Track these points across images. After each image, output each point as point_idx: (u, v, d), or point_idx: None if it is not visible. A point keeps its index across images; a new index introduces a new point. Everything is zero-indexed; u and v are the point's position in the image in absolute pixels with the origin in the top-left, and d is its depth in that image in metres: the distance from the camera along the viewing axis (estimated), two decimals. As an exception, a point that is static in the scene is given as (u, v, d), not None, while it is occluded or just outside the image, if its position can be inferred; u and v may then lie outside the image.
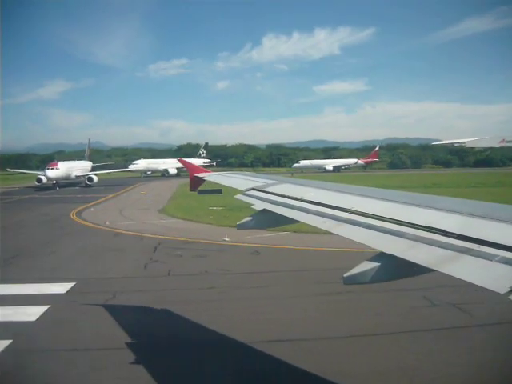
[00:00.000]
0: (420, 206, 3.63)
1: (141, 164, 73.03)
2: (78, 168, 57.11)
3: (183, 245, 17.41)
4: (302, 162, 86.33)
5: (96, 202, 34.84)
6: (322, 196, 4.58)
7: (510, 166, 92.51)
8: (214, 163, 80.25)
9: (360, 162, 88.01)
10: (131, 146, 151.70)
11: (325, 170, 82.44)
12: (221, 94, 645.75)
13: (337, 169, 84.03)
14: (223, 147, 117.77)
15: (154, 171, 76.13)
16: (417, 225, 3.19)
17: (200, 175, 8.45)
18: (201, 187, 8.80)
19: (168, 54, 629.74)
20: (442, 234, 2.94)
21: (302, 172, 74.72)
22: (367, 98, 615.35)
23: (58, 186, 49.93)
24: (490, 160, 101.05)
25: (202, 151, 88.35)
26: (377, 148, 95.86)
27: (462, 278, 2.46)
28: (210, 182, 7.93)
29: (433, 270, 2.73)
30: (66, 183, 53.36)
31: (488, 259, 2.49)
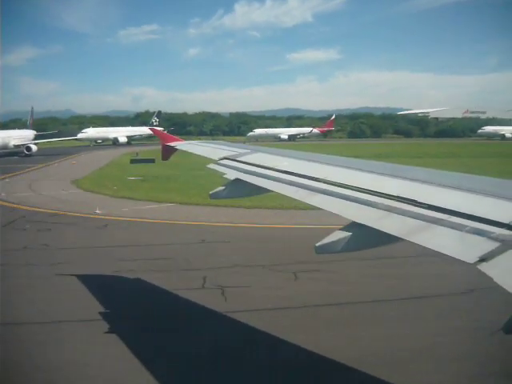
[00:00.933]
0: (393, 176, 3.68)
1: (89, 132, 69.99)
2: (16, 137, 54.06)
3: (47, 218, 16.52)
4: (257, 131, 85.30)
5: (18, 172, 32.64)
6: (296, 166, 4.59)
7: (470, 136, 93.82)
8: (166, 131, 78.20)
9: (315, 130, 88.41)
10: (102, 114, 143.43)
11: (279, 139, 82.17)
12: (192, 61, 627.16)
13: (292, 138, 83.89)
14: (182, 115, 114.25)
15: (105, 140, 72.93)
16: (389, 195, 3.23)
17: (172, 144, 8.21)
18: (173, 156, 8.59)
19: (138, 20, 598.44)
20: (413, 205, 2.98)
21: (256, 141, 74.02)
22: (340, 67, 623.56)
23: None
24: (451, 131, 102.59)
25: (155, 119, 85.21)
26: (333, 117, 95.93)
27: (432, 248, 2.50)
28: (182, 150, 7.73)
29: (403, 240, 2.78)
30: (5, 153, 50.21)
31: (458, 229, 2.52)
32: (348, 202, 3.42)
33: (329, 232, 3.17)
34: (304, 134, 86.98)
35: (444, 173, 3.84)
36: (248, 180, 4.71)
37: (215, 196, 5.10)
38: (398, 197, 3.16)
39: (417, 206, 2.96)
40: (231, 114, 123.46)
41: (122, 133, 73.22)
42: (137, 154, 43.84)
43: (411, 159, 35.23)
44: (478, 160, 35.15)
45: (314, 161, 4.86)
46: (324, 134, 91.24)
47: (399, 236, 2.80)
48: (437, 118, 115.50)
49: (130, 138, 73.49)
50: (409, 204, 3.03)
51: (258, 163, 5.11)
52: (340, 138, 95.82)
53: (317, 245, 3.10)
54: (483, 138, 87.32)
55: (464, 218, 2.61)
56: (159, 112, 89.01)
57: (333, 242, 3.10)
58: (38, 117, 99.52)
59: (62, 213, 17.49)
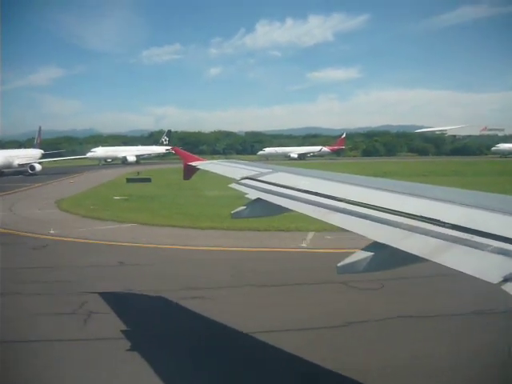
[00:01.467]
0: (414, 195, 3.69)
1: (98, 152, 70.82)
2: (22, 156, 55.04)
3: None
4: (267, 150, 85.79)
5: (11, 191, 32.51)
6: (316, 185, 4.63)
7: (486, 154, 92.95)
8: (164, 150, 79.92)
9: (325, 149, 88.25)
10: (124, 133, 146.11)
11: (289, 158, 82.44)
12: (214, 80, 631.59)
13: (302, 156, 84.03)
14: (196, 134, 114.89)
15: (114, 159, 73.65)
16: (410, 214, 3.23)
17: (193, 164, 8.28)
18: (194, 175, 8.64)
19: (161, 40, 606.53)
20: (436, 224, 2.98)
21: (266, 159, 73.94)
22: (360, 86, 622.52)
23: (1, 175, 48.41)
24: (467, 148, 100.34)
25: (165, 138, 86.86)
26: (343, 135, 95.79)
27: (455, 268, 2.48)
28: (204, 170, 7.79)
29: (426, 260, 2.76)
30: (10, 172, 50.98)
31: (481, 249, 2.52)
32: (368, 222, 3.43)
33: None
34: (314, 152, 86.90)
35: (466, 192, 3.83)
36: (269, 199, 4.75)
37: (237, 215, 5.13)
38: (419, 216, 3.16)
39: (439, 225, 2.97)
40: (247, 132, 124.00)
41: (130, 152, 74.19)
42: (138, 173, 44.08)
43: (416, 177, 35.14)
44: (482, 178, 34.72)
45: (334, 180, 4.90)
46: (336, 153, 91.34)
47: (422, 256, 2.78)
48: (454, 136, 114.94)
49: (139, 157, 74.15)
50: (431, 223, 3.03)
51: (278, 183, 5.16)
52: (354, 156, 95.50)
53: (338, 265, 3.09)
54: (497, 155, 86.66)
55: (487, 237, 2.62)
56: (169, 131, 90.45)
57: (354, 262, 3.09)
58: (61, 135, 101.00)
59: (14, 232, 17.53)
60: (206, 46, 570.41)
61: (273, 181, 5.35)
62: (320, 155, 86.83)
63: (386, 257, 3.12)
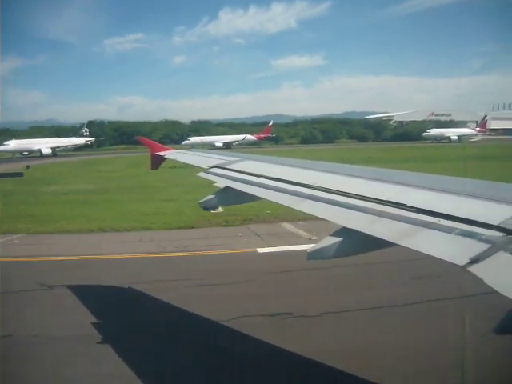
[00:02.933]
0: (381, 180, 3.70)
1: (11, 145, 68.67)
2: None
3: None
4: (192, 139, 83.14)
5: None
6: (286, 172, 4.59)
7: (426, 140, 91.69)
8: (89, 143, 79.64)
9: (250, 137, 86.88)
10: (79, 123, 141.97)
11: (215, 147, 78.80)
12: (178, 69, 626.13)
13: (227, 145, 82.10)
14: (132, 124, 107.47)
15: (31, 151, 71.13)
16: (378, 199, 3.24)
17: (161, 153, 8.25)
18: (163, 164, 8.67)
19: (123, 29, 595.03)
20: (403, 209, 2.99)
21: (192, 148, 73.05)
22: (325, 72, 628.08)
23: None
24: (407, 134, 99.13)
25: (85, 129, 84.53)
26: (270, 123, 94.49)
27: (423, 251, 2.49)
28: (171, 159, 7.76)
29: (394, 244, 2.77)
30: None
31: (448, 232, 2.53)
32: (338, 208, 3.41)
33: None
34: (239, 141, 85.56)
35: (433, 176, 3.88)
36: (238, 188, 4.71)
37: (205, 204, 5.08)
38: (387, 201, 3.16)
39: (406, 209, 2.97)
40: (193, 121, 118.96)
41: (46, 144, 72.04)
42: (27, 166, 42.62)
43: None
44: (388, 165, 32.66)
45: (304, 167, 4.88)
46: (263, 141, 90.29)
47: (390, 240, 2.78)
48: (402, 122, 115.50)
49: (55, 150, 72.36)
50: (398, 208, 3.03)
51: (247, 171, 5.12)
52: (291, 143, 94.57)
53: (308, 251, 3.08)
54: (429, 141, 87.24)
55: (453, 220, 2.62)
56: (89, 122, 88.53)
57: (324, 248, 3.08)
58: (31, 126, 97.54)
59: None
60: (170, 34, 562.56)
61: (241, 169, 5.31)
62: (246, 144, 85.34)
63: (354, 242, 3.10)
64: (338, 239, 3.08)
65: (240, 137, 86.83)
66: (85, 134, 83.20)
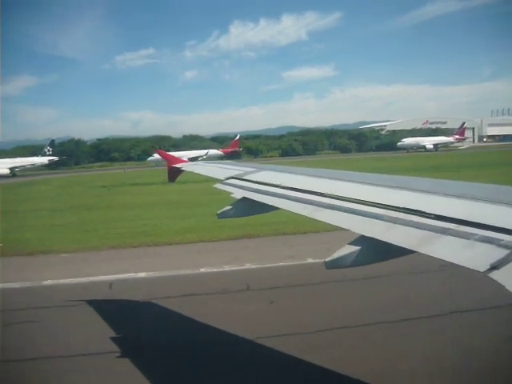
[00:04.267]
0: (398, 187, 3.69)
1: None
2: None
3: None
4: (156, 155, 79.00)
5: None
6: (302, 182, 4.60)
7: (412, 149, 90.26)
8: (50, 162, 79.05)
9: (215, 152, 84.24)
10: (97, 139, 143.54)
11: None
12: (189, 83, 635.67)
13: (193, 160, 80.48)
14: (110, 141, 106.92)
15: None
16: (395, 206, 3.23)
17: (178, 166, 8.42)
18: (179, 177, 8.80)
19: (134, 45, 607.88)
20: (421, 215, 2.97)
21: (155, 165, 70.41)
22: (336, 83, 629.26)
23: None
24: (390, 144, 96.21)
25: (48, 148, 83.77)
26: (237, 137, 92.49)
27: (442, 258, 2.47)
28: (188, 172, 7.89)
29: (413, 252, 2.76)
30: None
31: (467, 238, 2.50)
32: (355, 216, 3.41)
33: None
34: (202, 156, 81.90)
35: (449, 182, 3.85)
36: (255, 198, 4.74)
37: (223, 215, 5.12)
38: (404, 208, 3.15)
39: (424, 216, 2.96)
40: (185, 136, 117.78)
41: (4, 164, 71.73)
42: None
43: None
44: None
45: (320, 176, 4.88)
46: (230, 155, 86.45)
47: (408, 248, 2.77)
48: (394, 131, 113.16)
49: (14, 170, 72.00)
50: (415, 215, 3.02)
51: (264, 181, 5.15)
52: (271, 157, 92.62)
53: (326, 260, 3.08)
54: (404, 150, 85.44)
55: (472, 226, 2.60)
56: (52, 141, 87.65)
57: (342, 257, 3.07)
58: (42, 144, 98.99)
59: None
60: (181, 49, 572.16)
61: (258, 179, 5.34)
62: (214, 158, 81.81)
63: (372, 250, 3.10)
64: (356, 248, 3.07)
65: (202, 152, 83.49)
66: (47, 153, 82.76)
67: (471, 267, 2.27)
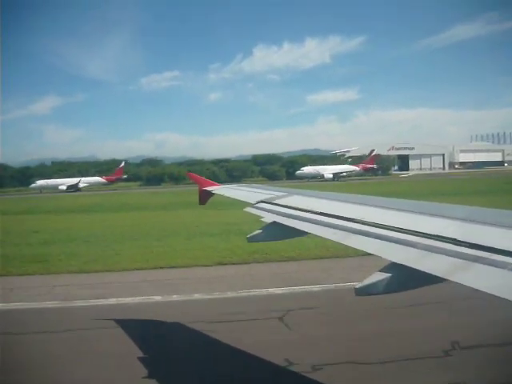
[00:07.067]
0: (430, 214, 3.68)
1: None
2: None
3: None
4: (39, 182, 78.62)
5: None
6: (333, 207, 4.64)
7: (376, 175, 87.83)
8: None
9: (98, 179, 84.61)
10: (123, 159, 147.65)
11: (58, 190, 76.54)
12: (213, 105, 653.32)
13: (73, 187, 77.29)
14: (81, 164, 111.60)
15: None
16: (428, 234, 3.21)
17: (209, 189, 8.58)
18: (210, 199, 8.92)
19: (159, 67, 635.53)
20: (454, 243, 2.95)
21: (40, 193, 71.41)
22: (360, 106, 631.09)
23: None
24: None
25: None
26: (122, 164, 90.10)
27: (475, 287, 2.44)
28: (219, 195, 8.02)
29: (445, 280, 2.73)
30: None
31: (501, 267, 2.48)
32: (386, 242, 3.41)
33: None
34: (90, 183, 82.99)
35: (485, 210, 3.78)
36: (285, 223, 4.79)
37: (252, 239, 5.17)
38: (437, 236, 3.14)
39: (456, 244, 2.93)
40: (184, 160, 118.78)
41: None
42: None
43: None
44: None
45: (350, 202, 4.91)
46: (112, 183, 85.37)
47: (441, 276, 2.74)
48: (359, 156, 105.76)
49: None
50: (448, 242, 3.00)
51: (294, 205, 5.20)
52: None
53: (357, 287, 3.06)
54: (304, 180, 79.73)
55: (506, 255, 2.56)
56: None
57: (373, 284, 3.06)
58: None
59: None
60: (205, 71, 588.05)
61: (288, 204, 5.39)
62: (97, 186, 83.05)
63: (403, 278, 3.07)
64: (387, 275, 3.06)
65: (91, 179, 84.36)
66: None
67: (505, 297, 2.24)
